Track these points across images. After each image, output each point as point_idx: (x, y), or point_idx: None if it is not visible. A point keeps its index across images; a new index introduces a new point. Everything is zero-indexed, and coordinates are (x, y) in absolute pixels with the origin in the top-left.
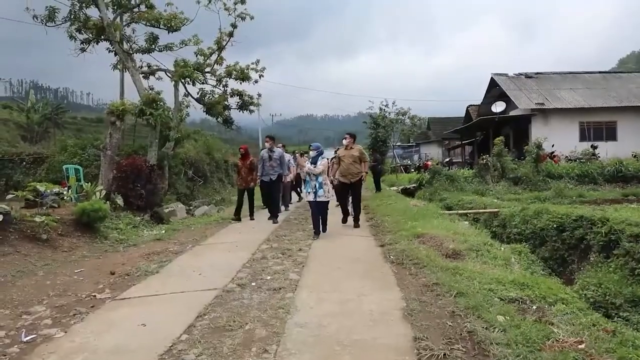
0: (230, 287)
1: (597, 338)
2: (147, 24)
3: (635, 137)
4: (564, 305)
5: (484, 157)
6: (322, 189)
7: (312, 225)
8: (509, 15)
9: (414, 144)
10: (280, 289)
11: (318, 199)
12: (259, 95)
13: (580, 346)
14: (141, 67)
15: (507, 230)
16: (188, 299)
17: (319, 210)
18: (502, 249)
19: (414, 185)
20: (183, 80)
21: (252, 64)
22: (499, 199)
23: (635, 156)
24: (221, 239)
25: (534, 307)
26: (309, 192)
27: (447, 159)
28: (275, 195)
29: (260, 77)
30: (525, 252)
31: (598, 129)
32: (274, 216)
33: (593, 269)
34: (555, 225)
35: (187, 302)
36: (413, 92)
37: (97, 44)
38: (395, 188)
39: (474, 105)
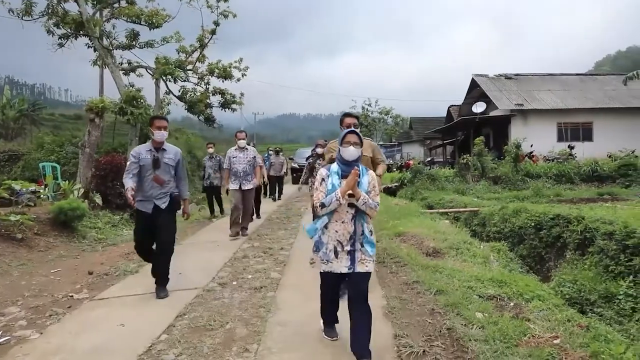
0: (211, 287)
1: (571, 333)
2: (128, 20)
3: (611, 137)
4: (541, 302)
5: (464, 156)
6: (369, 244)
7: (295, 224)
8: (491, 18)
9: (396, 143)
10: (261, 287)
11: (359, 269)
12: (242, 94)
13: (555, 341)
14: (121, 63)
15: (487, 229)
16: (168, 298)
17: (358, 298)
18: (482, 247)
19: (395, 184)
20: (164, 78)
21: (235, 62)
22: (479, 197)
23: (610, 156)
24: (202, 237)
25: (512, 304)
26: (329, 253)
27: (429, 159)
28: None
29: (243, 75)
30: (504, 250)
31: (575, 129)
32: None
33: (569, 266)
34: (533, 224)
35: (167, 302)
36: (396, 91)
37: (75, 39)
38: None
39: (455, 105)
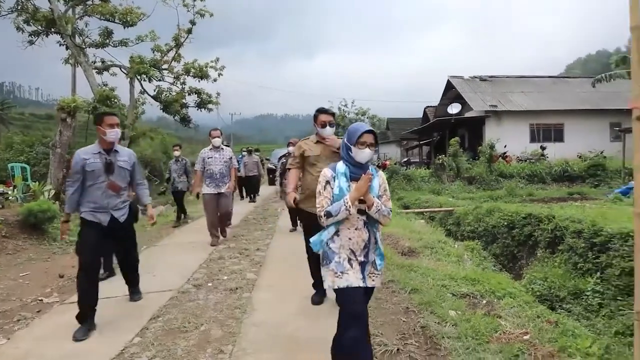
0: (185, 288)
1: (541, 329)
2: (102, 17)
3: (581, 138)
4: (512, 299)
5: (440, 157)
6: (380, 256)
7: (271, 225)
8: (467, 20)
9: None
10: (237, 288)
11: (367, 284)
12: (218, 93)
13: (525, 337)
14: (94, 62)
15: (461, 228)
16: (141, 301)
17: (361, 321)
18: (456, 246)
19: None
20: (139, 77)
21: (212, 62)
22: (454, 197)
23: (580, 157)
24: (177, 239)
25: (484, 302)
26: (343, 263)
27: (405, 159)
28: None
29: (219, 75)
30: (477, 249)
31: (547, 130)
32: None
33: (540, 264)
34: (505, 223)
35: (140, 304)
36: (372, 92)
37: (47, 36)
38: None
39: (431, 106)
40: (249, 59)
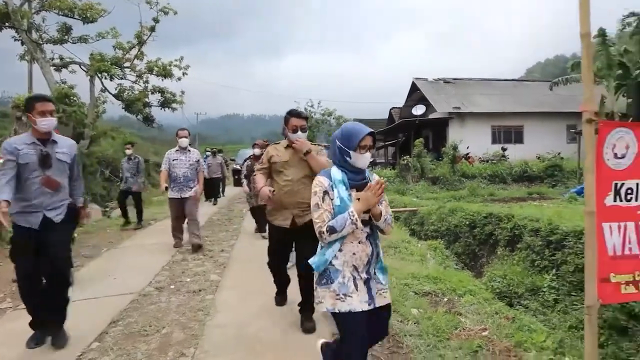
0: (147, 291)
1: (499, 325)
2: (60, 12)
3: (540, 140)
4: (472, 297)
5: (405, 158)
6: (382, 269)
7: (236, 226)
8: (432, 24)
9: None
10: (200, 290)
11: (379, 303)
12: (182, 92)
13: (484, 333)
14: (52, 59)
15: (425, 228)
16: (101, 305)
17: (364, 345)
18: (419, 245)
19: None
20: (100, 75)
21: (176, 60)
22: (418, 197)
23: (539, 158)
24: (139, 241)
25: (445, 299)
26: (347, 284)
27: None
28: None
29: (183, 74)
30: (440, 248)
31: (508, 132)
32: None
33: (500, 261)
34: (467, 222)
35: (99, 309)
36: (339, 93)
37: (0, 31)
38: None
39: (396, 107)
40: (215, 58)
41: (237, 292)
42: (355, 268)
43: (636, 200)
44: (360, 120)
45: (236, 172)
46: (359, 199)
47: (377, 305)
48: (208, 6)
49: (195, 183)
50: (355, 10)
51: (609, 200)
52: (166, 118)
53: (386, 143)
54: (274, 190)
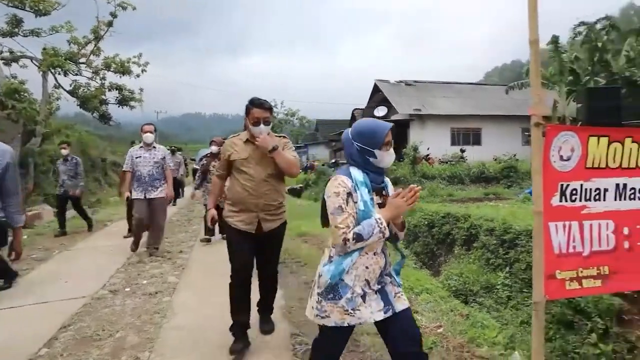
0: (101, 294)
1: (453, 322)
2: (9, 4)
3: (497, 142)
4: (428, 295)
5: None
6: (395, 271)
7: (196, 227)
8: (395, 26)
9: (303, 144)
10: (157, 293)
11: (399, 306)
12: (141, 90)
13: (439, 330)
14: (1, 52)
15: None
16: (51, 309)
17: (413, 346)
18: None
19: (300, 185)
20: (53, 70)
21: (134, 57)
22: None
23: (495, 159)
24: (94, 243)
25: None
26: (355, 299)
27: (334, 160)
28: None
29: (142, 71)
30: (399, 248)
31: (466, 134)
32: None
33: (457, 260)
34: (426, 222)
35: (49, 313)
36: (302, 93)
37: None
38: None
39: (359, 108)
40: (176, 55)
41: (195, 294)
42: (368, 283)
43: (580, 200)
44: (323, 121)
45: (196, 172)
46: (381, 204)
47: (397, 310)
48: (169, 2)
49: (162, 182)
50: (320, 11)
51: (555, 201)
52: (124, 116)
53: None
54: (218, 220)
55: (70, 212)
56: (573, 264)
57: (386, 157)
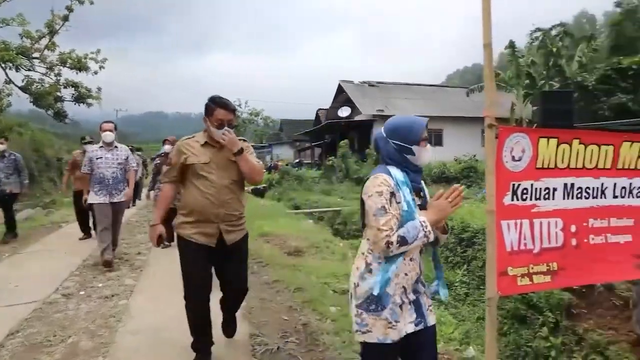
0: (53, 298)
1: None
2: None
3: (458, 143)
4: None
5: (330, 158)
6: (445, 287)
7: None
8: (359, 27)
9: (267, 144)
10: (113, 296)
11: (431, 321)
12: (99, 88)
13: None
14: None
15: (348, 227)
16: None
17: None
18: (341, 244)
19: (264, 185)
20: (3, 65)
21: (92, 53)
22: (343, 197)
23: (456, 160)
24: (48, 245)
25: None
26: (396, 310)
27: (297, 160)
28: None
29: (100, 68)
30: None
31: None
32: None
33: None
34: None
35: None
36: (266, 93)
37: None
38: (245, 189)
39: (323, 109)
40: (138, 52)
41: (153, 296)
42: (405, 290)
43: (530, 199)
44: (287, 121)
45: None
46: (420, 206)
47: (429, 324)
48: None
49: (125, 185)
50: (285, 10)
51: (507, 200)
52: (81, 113)
53: (312, 144)
54: (166, 243)
55: (25, 213)
56: (524, 260)
57: (424, 154)
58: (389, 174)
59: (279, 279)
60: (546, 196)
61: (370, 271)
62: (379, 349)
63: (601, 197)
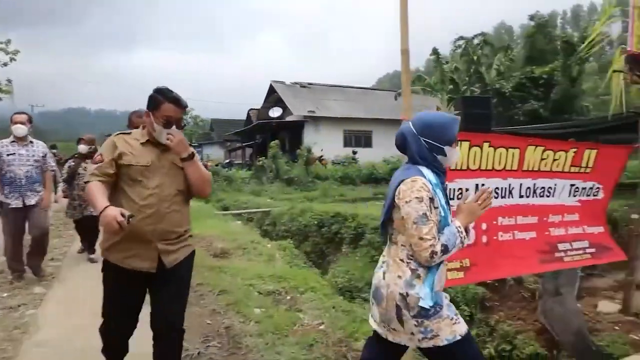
0: None
1: (335, 318)
2: None
3: (386, 145)
4: (313, 293)
5: (261, 159)
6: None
7: (72, 232)
8: (290, 29)
9: (197, 144)
10: (19, 305)
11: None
12: (9, 81)
13: (320, 327)
14: None
15: (277, 228)
16: None
17: None
18: (269, 245)
19: None
20: None
21: (1, 43)
22: (272, 198)
23: (384, 161)
24: None
25: (288, 297)
26: (451, 310)
27: (228, 160)
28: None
29: (11, 60)
30: (289, 247)
31: (358, 137)
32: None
33: (344, 258)
34: (316, 222)
35: None
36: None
37: None
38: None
39: (254, 109)
40: (57, 45)
41: (64, 305)
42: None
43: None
44: (218, 120)
45: None
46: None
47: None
48: None
49: (41, 186)
50: (215, 8)
51: None
52: None
53: (243, 144)
54: (131, 216)
55: None
56: (457, 255)
57: (455, 155)
58: (424, 176)
59: (203, 282)
60: (459, 196)
61: (418, 277)
62: (460, 343)
63: (509, 197)
